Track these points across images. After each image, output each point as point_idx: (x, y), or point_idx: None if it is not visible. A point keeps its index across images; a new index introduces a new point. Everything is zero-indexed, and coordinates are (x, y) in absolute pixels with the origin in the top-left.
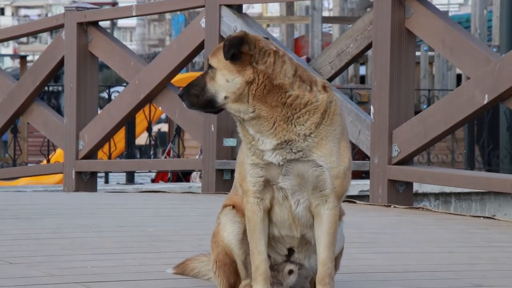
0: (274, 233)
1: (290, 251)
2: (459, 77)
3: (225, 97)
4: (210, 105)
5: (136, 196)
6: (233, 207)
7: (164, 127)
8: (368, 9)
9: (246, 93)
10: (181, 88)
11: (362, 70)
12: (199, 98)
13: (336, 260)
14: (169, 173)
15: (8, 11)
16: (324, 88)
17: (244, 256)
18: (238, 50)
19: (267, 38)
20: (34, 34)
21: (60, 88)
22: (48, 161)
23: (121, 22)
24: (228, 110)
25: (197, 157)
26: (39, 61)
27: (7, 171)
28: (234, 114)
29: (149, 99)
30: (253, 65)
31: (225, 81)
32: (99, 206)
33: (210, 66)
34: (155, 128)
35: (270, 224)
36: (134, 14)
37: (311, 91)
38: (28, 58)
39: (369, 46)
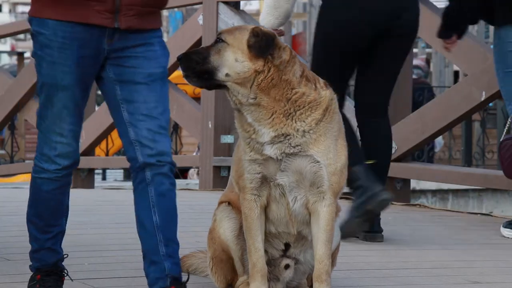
0: (271, 229)
1: (287, 246)
2: (456, 74)
3: (227, 75)
4: (206, 77)
5: None
6: (229, 203)
7: None
8: None
9: (252, 79)
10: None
11: None
12: (198, 65)
13: (333, 257)
14: None
15: (5, 8)
16: (326, 85)
17: (241, 252)
18: (270, 51)
19: None
20: None
21: None
22: None
23: None
24: (229, 87)
25: (194, 153)
26: None
27: (4, 168)
28: (232, 94)
29: None
30: (268, 58)
31: (234, 60)
32: (96, 203)
33: (218, 41)
34: None
35: (266, 221)
36: None
37: (315, 89)
38: (26, 55)
39: None
